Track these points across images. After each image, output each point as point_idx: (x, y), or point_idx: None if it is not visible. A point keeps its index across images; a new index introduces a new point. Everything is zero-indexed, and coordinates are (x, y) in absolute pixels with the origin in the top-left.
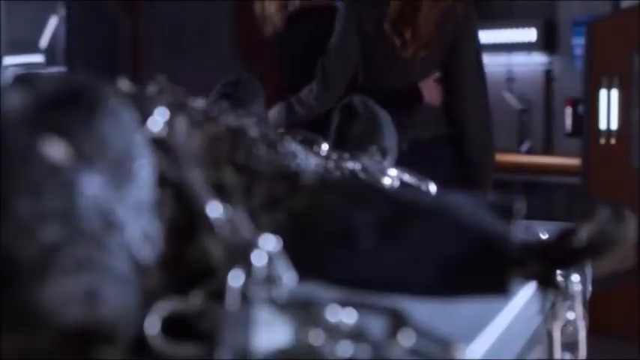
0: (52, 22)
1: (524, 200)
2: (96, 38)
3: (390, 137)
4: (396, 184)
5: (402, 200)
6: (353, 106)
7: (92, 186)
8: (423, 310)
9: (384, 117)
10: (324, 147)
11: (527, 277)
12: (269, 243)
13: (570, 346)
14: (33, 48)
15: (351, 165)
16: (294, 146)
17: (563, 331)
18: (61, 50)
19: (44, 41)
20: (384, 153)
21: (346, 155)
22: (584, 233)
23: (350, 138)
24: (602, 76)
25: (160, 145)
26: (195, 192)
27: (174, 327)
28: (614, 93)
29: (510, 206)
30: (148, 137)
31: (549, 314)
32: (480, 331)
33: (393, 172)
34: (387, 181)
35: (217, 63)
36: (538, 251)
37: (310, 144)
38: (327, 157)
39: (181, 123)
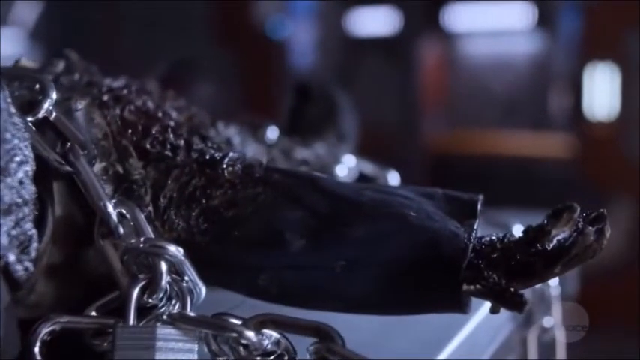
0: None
1: (482, 194)
2: (73, 22)
3: (349, 122)
4: (353, 173)
5: (342, 196)
6: (308, 88)
7: None
8: (380, 317)
9: (343, 100)
10: (272, 133)
11: (480, 295)
12: (176, 249)
13: (548, 351)
14: None
15: (303, 153)
16: (229, 132)
17: (539, 337)
18: (41, 32)
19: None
20: (341, 139)
21: (297, 142)
22: (554, 238)
23: (304, 123)
24: (596, 59)
25: (49, 129)
26: (90, 186)
27: (65, 346)
28: (609, 78)
29: (468, 201)
30: (31, 120)
31: (523, 320)
32: (444, 338)
33: (350, 160)
34: (341, 171)
35: (193, 49)
36: (497, 260)
37: (255, 129)
38: (273, 145)
39: (80, 104)
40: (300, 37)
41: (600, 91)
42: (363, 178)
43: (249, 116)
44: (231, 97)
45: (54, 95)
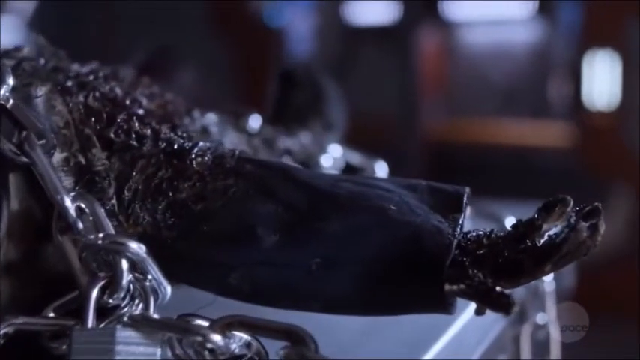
0: None
1: (471, 186)
2: (71, 10)
3: (336, 110)
4: (339, 163)
5: (318, 188)
6: (293, 74)
7: None
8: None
9: (330, 87)
10: (254, 122)
11: (464, 295)
12: (138, 245)
13: (542, 349)
14: None
15: (286, 142)
16: (207, 120)
17: (532, 335)
18: (38, 21)
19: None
20: (327, 128)
21: (281, 131)
22: (544, 233)
23: (289, 111)
24: (596, 47)
25: (5, 117)
26: (47, 178)
27: (21, 349)
28: (609, 66)
29: (454, 194)
30: None
31: (516, 317)
32: (430, 337)
33: (336, 149)
34: (327, 161)
35: (189, 37)
36: (483, 257)
37: (237, 118)
38: (255, 134)
39: (40, 90)
40: (298, 26)
41: (600, 80)
42: (349, 168)
43: (235, 105)
44: (228, 86)
45: (10, 81)
